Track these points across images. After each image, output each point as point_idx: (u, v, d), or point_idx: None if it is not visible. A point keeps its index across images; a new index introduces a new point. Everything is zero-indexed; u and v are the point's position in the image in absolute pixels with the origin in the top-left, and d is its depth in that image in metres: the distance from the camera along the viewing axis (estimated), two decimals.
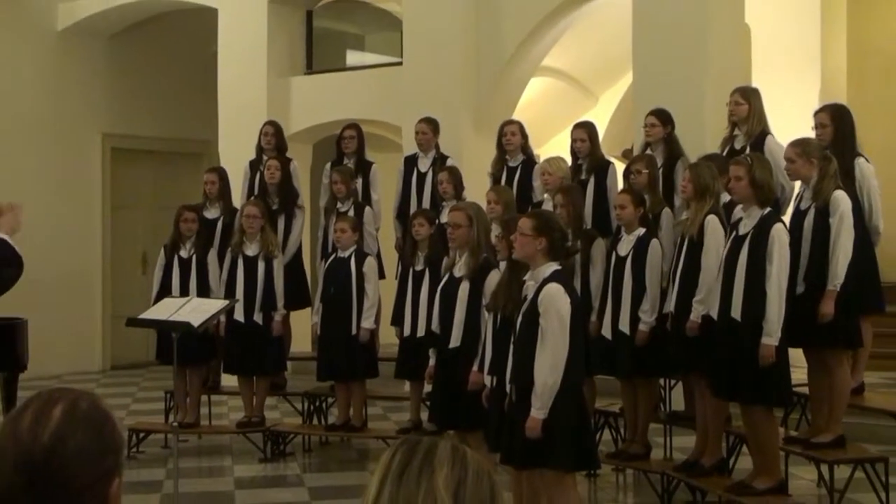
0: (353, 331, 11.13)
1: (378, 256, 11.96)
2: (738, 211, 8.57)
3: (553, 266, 7.23)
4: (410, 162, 12.45)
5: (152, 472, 10.80)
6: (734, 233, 8.39)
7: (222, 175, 12.60)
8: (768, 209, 8.23)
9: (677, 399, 10.72)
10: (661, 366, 9.75)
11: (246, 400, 11.96)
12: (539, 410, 7.05)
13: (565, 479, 7.35)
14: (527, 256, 7.35)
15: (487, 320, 8.46)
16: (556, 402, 7.05)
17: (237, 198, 12.74)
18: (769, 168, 8.44)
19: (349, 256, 11.17)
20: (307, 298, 12.69)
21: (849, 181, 8.85)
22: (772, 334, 7.96)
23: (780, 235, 8.06)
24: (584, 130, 11.06)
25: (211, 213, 12.30)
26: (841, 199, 8.42)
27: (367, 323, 11.19)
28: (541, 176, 10.75)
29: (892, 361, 14.06)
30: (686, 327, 8.90)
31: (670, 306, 9.26)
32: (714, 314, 8.44)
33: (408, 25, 14.74)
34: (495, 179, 11.46)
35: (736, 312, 8.16)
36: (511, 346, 7.44)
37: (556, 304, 7.07)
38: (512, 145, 11.52)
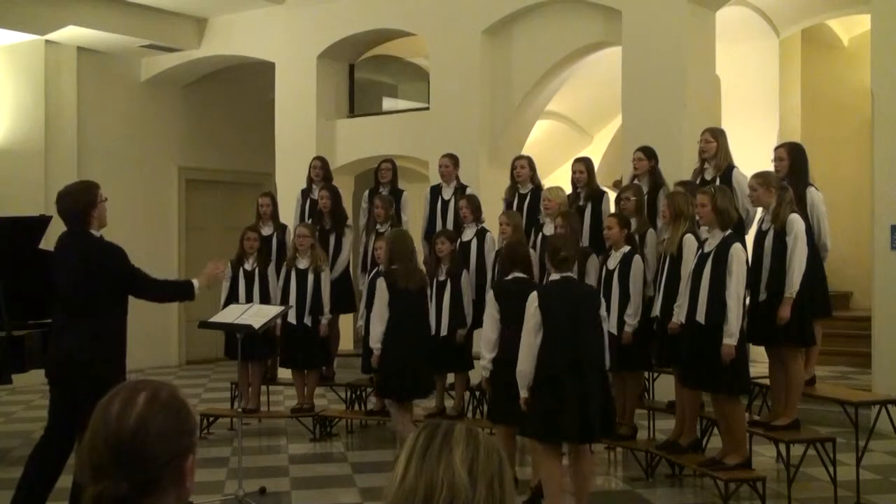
0: None
1: None
2: (703, 232, 8.63)
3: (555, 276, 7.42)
4: (435, 191, 12.45)
5: (220, 450, 10.82)
6: (700, 250, 8.44)
7: (273, 199, 12.70)
8: (729, 231, 8.25)
9: (659, 390, 10.73)
10: (644, 361, 9.78)
11: (298, 390, 12.00)
12: (522, 390, 7.63)
13: (537, 446, 7.84)
14: None
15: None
16: (533, 385, 7.58)
17: (289, 220, 12.82)
18: (729, 197, 8.46)
19: None
20: (354, 304, 12.69)
21: (801, 206, 8.86)
22: (731, 335, 7.99)
23: (738, 254, 8.10)
24: (583, 164, 11.08)
25: (265, 230, 12.32)
26: (795, 221, 8.42)
27: None
28: (542, 202, 10.76)
29: (838, 357, 14.13)
30: (668, 328, 8.94)
31: (656, 311, 9.28)
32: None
33: (434, 77, 14.81)
34: (508, 205, 11.45)
35: (700, 317, 8.19)
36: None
37: (528, 308, 7.58)
38: (522, 176, 11.52)
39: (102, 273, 7.30)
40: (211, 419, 11.79)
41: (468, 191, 12.05)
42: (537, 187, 11.55)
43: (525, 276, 8.54)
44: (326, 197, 12.41)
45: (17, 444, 10.94)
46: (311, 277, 11.53)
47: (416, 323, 10.14)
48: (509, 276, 8.54)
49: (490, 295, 8.66)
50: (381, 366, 10.02)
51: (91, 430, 2.28)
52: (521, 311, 7.96)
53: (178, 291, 8.23)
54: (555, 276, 7.74)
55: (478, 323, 10.18)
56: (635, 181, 10.63)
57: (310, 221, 12.28)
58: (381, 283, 10.02)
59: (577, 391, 7.46)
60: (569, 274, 7.78)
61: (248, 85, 18.47)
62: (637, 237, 9.77)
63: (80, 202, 7.33)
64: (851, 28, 17.41)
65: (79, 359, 7.18)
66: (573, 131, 19.40)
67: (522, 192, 11.53)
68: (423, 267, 10.84)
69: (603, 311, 7.83)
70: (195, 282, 8.04)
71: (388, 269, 10.08)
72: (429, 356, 10.25)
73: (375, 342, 10.01)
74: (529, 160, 11.71)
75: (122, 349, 7.48)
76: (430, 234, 11.92)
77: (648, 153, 10.67)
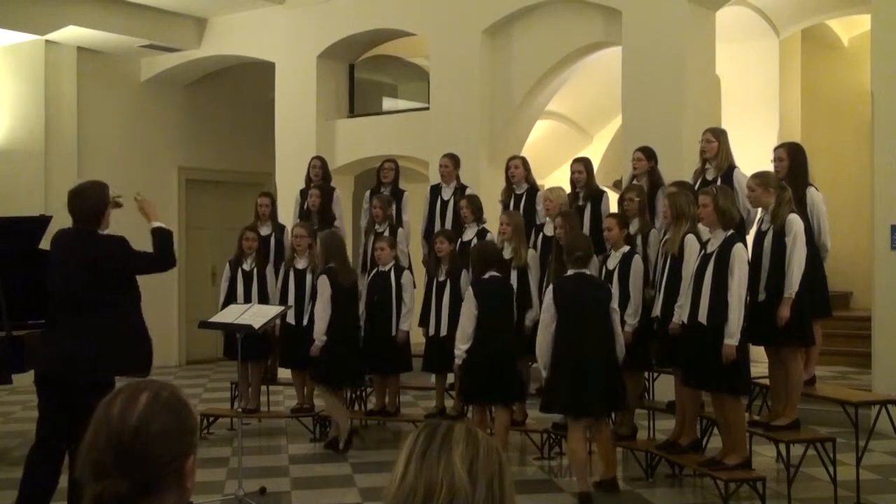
0: (393, 332, 11.16)
1: (409, 269, 11.95)
2: (704, 232, 8.64)
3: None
4: (435, 191, 12.45)
5: (220, 450, 10.82)
6: (703, 251, 8.44)
7: (273, 199, 12.72)
8: (731, 231, 8.26)
9: (659, 390, 10.72)
10: (644, 361, 9.78)
11: (298, 390, 12.01)
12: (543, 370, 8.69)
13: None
14: None
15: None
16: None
17: (288, 220, 12.82)
18: (731, 198, 8.47)
19: (389, 270, 11.13)
20: None
21: (801, 207, 8.84)
22: (732, 335, 8.00)
23: (740, 254, 8.11)
24: (582, 164, 11.08)
25: (263, 230, 12.31)
26: (795, 221, 8.40)
27: (405, 326, 11.15)
28: (543, 202, 10.77)
29: (838, 357, 14.12)
30: (669, 328, 8.94)
31: (657, 311, 9.28)
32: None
33: (434, 77, 14.82)
34: (504, 205, 11.46)
35: (702, 317, 8.20)
36: None
37: (545, 300, 8.72)
38: (516, 176, 11.53)
39: (111, 268, 7.29)
40: (211, 419, 11.79)
41: (469, 191, 12.05)
42: (533, 187, 11.57)
43: (500, 274, 9.60)
44: (316, 196, 12.43)
45: (16, 444, 10.95)
46: (309, 277, 11.52)
47: (350, 317, 10.92)
48: (486, 275, 9.46)
49: (470, 291, 9.46)
50: (322, 356, 10.72)
51: (93, 428, 2.29)
52: (496, 308, 9.35)
53: (168, 245, 7.93)
54: (570, 272, 8.59)
55: None
56: (634, 181, 10.64)
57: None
58: (323, 281, 10.73)
59: (577, 372, 8.42)
60: (583, 270, 8.67)
61: (248, 85, 18.48)
62: (640, 237, 9.79)
63: (97, 201, 7.37)
64: (851, 28, 17.43)
65: (83, 358, 7.15)
66: (573, 131, 19.42)
67: (518, 192, 11.53)
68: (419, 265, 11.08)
69: (614, 304, 8.68)
70: (155, 224, 7.98)
71: (327, 268, 10.76)
72: (358, 348, 11.09)
73: (320, 335, 10.70)
74: (523, 160, 11.71)
75: (136, 346, 7.66)
76: (429, 234, 11.92)
77: (648, 153, 10.68)
